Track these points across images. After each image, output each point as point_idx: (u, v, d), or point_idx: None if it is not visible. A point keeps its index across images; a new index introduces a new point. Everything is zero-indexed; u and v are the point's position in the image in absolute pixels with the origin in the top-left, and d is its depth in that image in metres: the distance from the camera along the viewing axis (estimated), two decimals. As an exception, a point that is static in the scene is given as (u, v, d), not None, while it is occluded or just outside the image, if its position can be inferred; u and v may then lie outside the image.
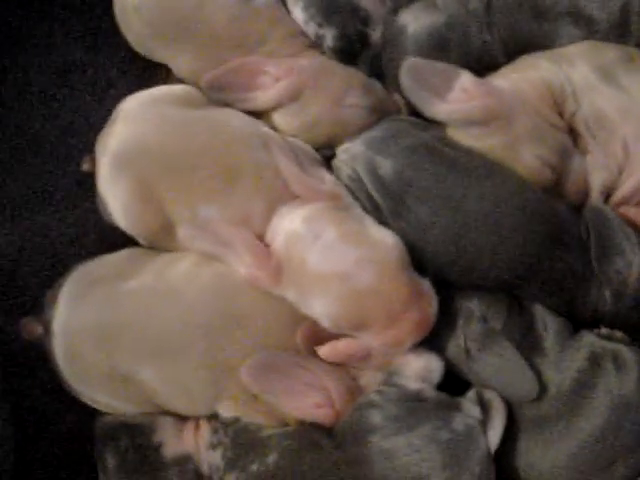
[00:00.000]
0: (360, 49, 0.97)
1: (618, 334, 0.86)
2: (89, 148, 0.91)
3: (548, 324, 0.87)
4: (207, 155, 0.86)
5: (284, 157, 0.85)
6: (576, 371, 0.83)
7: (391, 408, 0.80)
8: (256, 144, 0.87)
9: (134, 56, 1.00)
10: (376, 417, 0.80)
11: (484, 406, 0.82)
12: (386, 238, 0.81)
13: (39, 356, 0.87)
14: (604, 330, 0.87)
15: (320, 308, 0.80)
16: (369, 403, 0.81)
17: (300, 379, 0.81)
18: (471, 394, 0.83)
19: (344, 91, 0.92)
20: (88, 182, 0.90)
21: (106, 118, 0.91)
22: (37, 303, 0.88)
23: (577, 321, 0.88)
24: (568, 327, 0.87)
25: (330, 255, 0.80)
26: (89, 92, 1.03)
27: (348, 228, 0.81)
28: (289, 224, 0.83)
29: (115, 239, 0.91)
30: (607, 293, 0.86)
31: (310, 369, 0.82)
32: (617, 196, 0.90)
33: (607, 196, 0.91)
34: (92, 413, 0.88)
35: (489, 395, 0.83)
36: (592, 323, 0.88)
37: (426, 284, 0.82)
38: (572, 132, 0.91)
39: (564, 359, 0.84)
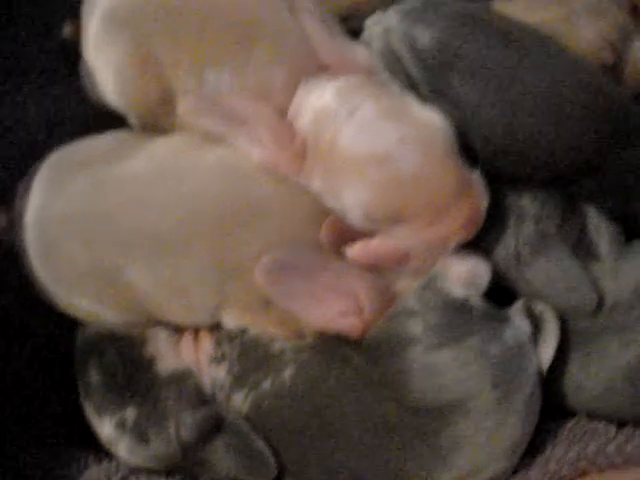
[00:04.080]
0: None
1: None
2: (72, 12, 0.78)
3: (602, 229, 0.77)
4: (218, 7, 0.72)
5: (313, 19, 0.71)
6: (634, 282, 0.74)
7: (433, 316, 0.68)
8: (280, 1, 0.73)
9: None
10: (416, 327, 0.68)
11: (534, 319, 0.72)
12: (432, 117, 0.69)
13: (7, 257, 0.74)
14: (658, 241, 0.75)
15: (352, 198, 0.68)
16: (407, 311, 0.69)
17: (324, 283, 0.69)
18: (519, 305, 0.72)
19: None
20: (70, 53, 0.78)
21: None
22: (7, 195, 0.75)
23: (629, 227, 0.78)
24: (622, 234, 0.78)
25: (367, 134, 0.67)
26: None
27: (388, 104, 0.69)
28: (318, 98, 0.70)
29: (101, 123, 0.78)
30: None
31: (336, 271, 0.69)
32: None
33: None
34: (72, 325, 0.75)
35: (540, 307, 0.72)
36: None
37: (476, 175, 0.69)
38: (634, 13, 0.79)
39: (622, 268, 0.75)
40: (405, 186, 0.66)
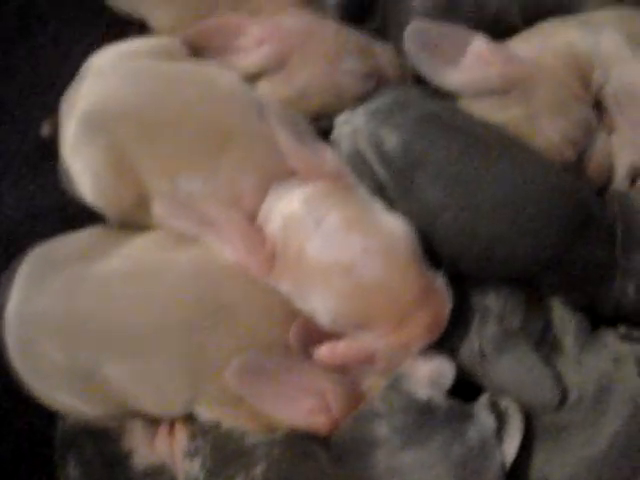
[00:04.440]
0: (369, 5, 0.85)
1: (637, 333, 0.78)
2: (51, 110, 0.80)
3: (567, 321, 0.78)
4: (191, 117, 0.75)
5: (282, 126, 0.73)
6: (598, 375, 0.75)
7: (398, 419, 0.70)
8: (249, 108, 0.77)
9: (104, 7, 0.88)
10: (381, 429, 0.70)
11: (499, 414, 0.73)
12: (396, 225, 0.71)
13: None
14: (622, 329, 0.78)
15: (319, 303, 0.70)
16: (372, 412, 0.71)
17: (293, 382, 0.72)
18: (484, 400, 0.74)
19: (337, 56, 0.81)
20: (49, 150, 0.80)
21: (71, 77, 0.80)
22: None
23: (596, 316, 0.80)
24: (587, 324, 0.79)
25: (333, 243, 0.69)
26: (51, 47, 0.91)
27: (353, 213, 0.71)
28: (286, 205, 0.73)
29: (80, 216, 0.80)
30: (631, 287, 0.77)
31: (304, 371, 0.71)
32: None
33: (633, 179, 0.83)
34: (52, 415, 0.77)
35: (505, 402, 0.74)
36: (611, 319, 0.80)
37: (439, 279, 0.72)
38: (597, 107, 0.81)
39: (586, 360, 0.76)
40: (369, 295, 0.69)
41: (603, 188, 0.83)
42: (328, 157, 0.75)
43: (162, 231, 0.77)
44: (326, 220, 0.70)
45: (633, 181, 0.82)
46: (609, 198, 0.80)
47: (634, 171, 0.82)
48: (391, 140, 0.75)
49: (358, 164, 0.77)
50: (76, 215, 0.80)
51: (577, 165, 0.81)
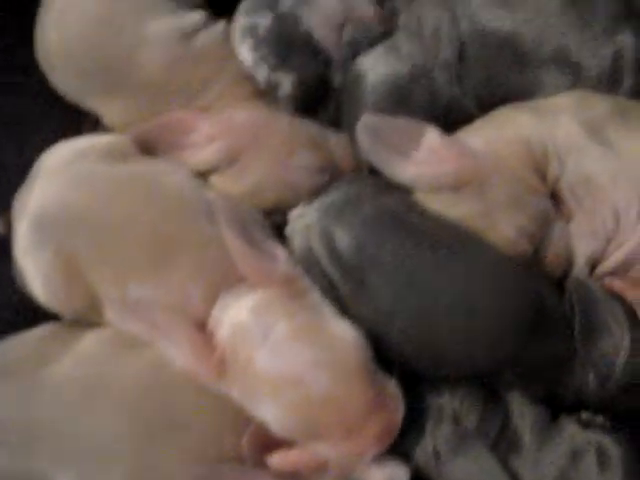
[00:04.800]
0: (322, 96, 0.84)
1: (599, 420, 0.77)
2: (4, 206, 0.80)
3: (526, 415, 0.78)
4: (138, 223, 0.75)
5: (231, 231, 0.73)
6: (556, 472, 0.74)
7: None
8: (198, 212, 0.76)
9: (59, 99, 0.87)
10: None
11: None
12: (346, 334, 0.71)
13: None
14: (585, 415, 0.78)
15: (268, 412, 0.70)
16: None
17: (245, 491, 0.71)
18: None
19: (290, 151, 0.81)
20: (3, 246, 0.79)
21: (26, 171, 0.80)
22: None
23: (557, 404, 0.79)
24: (547, 416, 0.78)
25: (281, 356, 0.69)
26: (5, 138, 0.90)
27: (302, 322, 0.71)
28: (235, 314, 0.73)
29: (36, 310, 0.79)
30: (591, 376, 0.77)
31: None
32: (604, 268, 0.80)
33: (592, 267, 0.81)
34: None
35: None
36: (573, 406, 0.79)
37: (391, 385, 0.72)
38: (555, 196, 0.80)
39: (544, 457, 0.75)
40: (317, 407, 0.69)
41: (563, 276, 0.81)
42: (280, 260, 0.75)
43: (116, 330, 0.76)
44: (274, 330, 0.70)
45: (593, 269, 0.81)
46: (568, 288, 0.79)
47: (593, 260, 0.80)
48: (343, 239, 0.75)
49: (310, 262, 0.76)
50: (32, 310, 0.79)
51: (535, 256, 0.80)
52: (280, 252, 0.76)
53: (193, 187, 0.78)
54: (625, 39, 0.81)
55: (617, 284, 0.80)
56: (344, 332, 0.71)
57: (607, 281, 0.80)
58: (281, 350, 0.69)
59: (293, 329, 0.70)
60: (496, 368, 0.76)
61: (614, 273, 0.81)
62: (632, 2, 0.81)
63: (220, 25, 0.85)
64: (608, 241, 0.79)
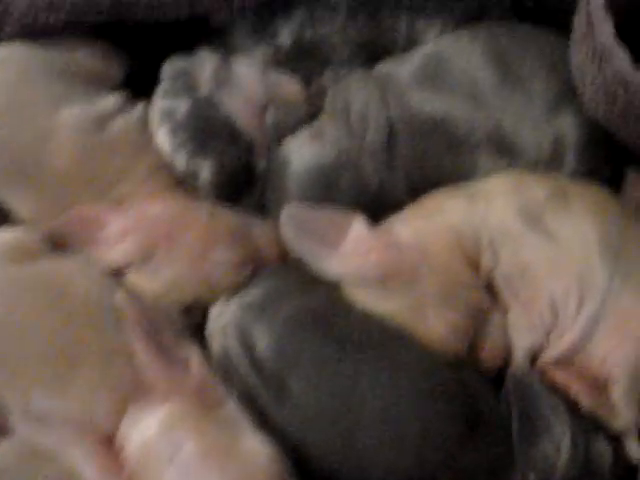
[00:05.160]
0: (245, 183, 0.80)
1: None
2: None
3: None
4: (41, 330, 0.71)
5: (140, 338, 0.69)
6: None
7: None
8: (105, 318, 0.72)
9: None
10: None
11: None
12: (259, 453, 0.67)
13: None
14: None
15: None
16: None
17: None
18: None
19: (208, 245, 0.77)
20: None
21: None
22: None
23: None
24: None
25: (189, 477, 0.65)
26: None
27: (213, 440, 0.67)
28: (144, 428, 0.68)
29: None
30: (532, 475, 0.72)
31: None
32: (546, 359, 0.76)
33: (533, 358, 0.76)
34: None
35: None
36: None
37: None
38: (489, 287, 0.76)
39: None
40: None
41: (501, 369, 0.77)
42: (193, 368, 0.70)
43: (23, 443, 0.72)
44: (183, 450, 0.66)
45: (533, 362, 0.76)
46: (506, 385, 0.74)
47: (531, 352, 0.76)
48: (262, 341, 0.71)
49: (228, 367, 0.73)
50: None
51: (470, 351, 0.75)
52: (194, 358, 0.72)
53: (102, 289, 0.74)
54: (567, 119, 0.78)
55: (560, 375, 0.75)
56: (258, 450, 0.67)
57: (549, 372, 0.76)
58: (189, 472, 0.65)
59: (202, 449, 0.66)
60: (426, 477, 0.70)
61: (557, 363, 0.76)
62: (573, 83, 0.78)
63: (138, 108, 0.81)
64: (547, 333, 0.75)
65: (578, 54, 0.74)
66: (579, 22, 0.74)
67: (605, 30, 0.69)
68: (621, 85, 0.70)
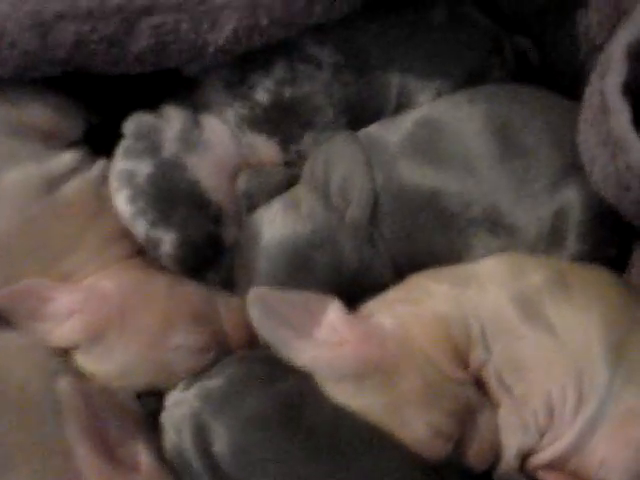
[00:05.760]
0: (211, 256, 0.72)
1: None
2: None
3: None
4: None
5: (82, 438, 0.62)
6: None
7: None
8: (43, 411, 0.64)
9: None
10: None
11: None
12: None
13: None
14: None
15: None
16: None
17: None
18: None
19: (166, 328, 0.70)
20: None
21: None
22: None
23: None
24: None
25: None
26: None
27: None
28: None
29: None
30: None
31: None
32: (538, 460, 0.69)
33: (523, 459, 0.70)
34: None
35: None
36: None
37: None
38: (479, 382, 0.69)
39: None
40: None
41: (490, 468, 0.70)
42: (140, 469, 0.63)
43: None
44: None
45: (523, 462, 0.70)
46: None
47: (522, 452, 0.69)
48: (221, 439, 0.64)
49: (182, 464, 0.65)
50: None
51: (455, 452, 0.68)
52: (143, 457, 0.64)
53: (43, 376, 0.66)
54: (570, 195, 0.72)
55: (552, 478, 0.69)
56: None
57: (540, 475, 0.70)
58: None
59: None
60: None
61: (549, 466, 0.70)
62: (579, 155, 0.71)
63: (96, 167, 0.74)
64: (541, 434, 0.69)
65: (588, 134, 0.67)
66: (590, 99, 0.67)
67: (621, 120, 0.62)
68: (636, 178, 0.62)
